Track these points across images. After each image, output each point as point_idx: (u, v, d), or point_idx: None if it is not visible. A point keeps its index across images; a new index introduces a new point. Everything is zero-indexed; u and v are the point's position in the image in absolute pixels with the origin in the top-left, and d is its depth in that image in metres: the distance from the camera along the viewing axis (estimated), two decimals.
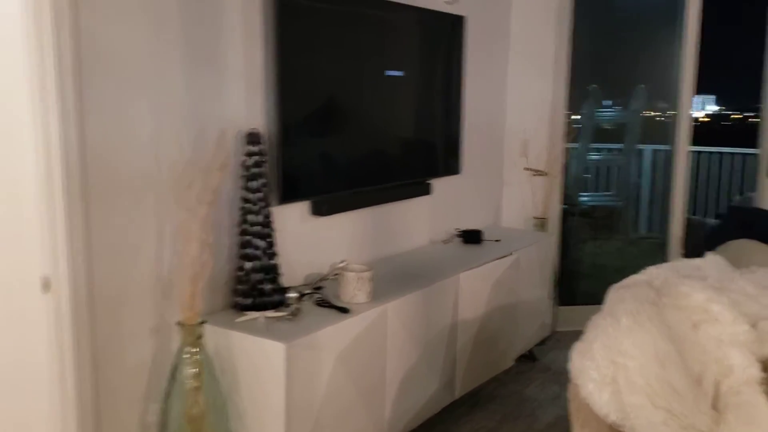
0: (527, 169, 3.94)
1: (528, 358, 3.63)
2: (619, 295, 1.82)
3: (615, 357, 1.69)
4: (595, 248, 4.33)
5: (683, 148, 4.09)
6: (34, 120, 1.77)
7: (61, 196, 1.82)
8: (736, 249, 2.60)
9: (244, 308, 2.29)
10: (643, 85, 4.34)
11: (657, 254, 4.22)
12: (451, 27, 3.30)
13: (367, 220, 3.00)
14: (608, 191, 4.75)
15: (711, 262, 2.10)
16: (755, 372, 1.56)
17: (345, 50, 2.71)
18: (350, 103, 2.79)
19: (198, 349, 2.08)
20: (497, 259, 3.18)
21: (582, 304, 4.06)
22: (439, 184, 3.38)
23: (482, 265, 3.07)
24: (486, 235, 3.46)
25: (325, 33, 2.60)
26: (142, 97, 2.04)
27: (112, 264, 2.01)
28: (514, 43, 3.91)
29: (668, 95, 4.15)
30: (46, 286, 1.84)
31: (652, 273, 1.97)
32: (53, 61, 1.76)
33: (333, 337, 2.26)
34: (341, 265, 2.59)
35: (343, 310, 2.36)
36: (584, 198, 4.48)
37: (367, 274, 2.48)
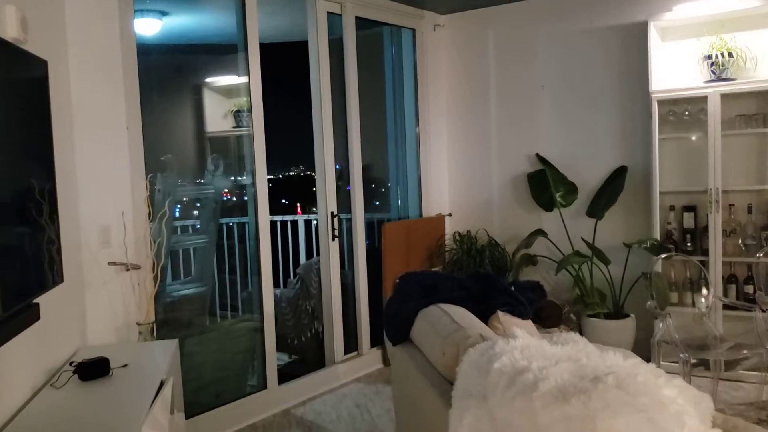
0: (113, 263, 3.04)
1: None
2: (595, 411, 1.38)
3: None
4: (194, 346, 3.61)
5: (264, 220, 3.81)
6: None
7: None
8: (439, 317, 2.46)
9: None
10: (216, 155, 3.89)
11: (255, 337, 3.80)
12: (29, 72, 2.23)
13: None
14: (191, 276, 4.02)
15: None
16: None
17: None
18: None
19: None
20: (157, 393, 2.28)
21: (201, 413, 3.39)
22: (44, 303, 2.24)
23: (151, 408, 2.14)
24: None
25: None
26: None
27: None
28: (78, 109, 2.95)
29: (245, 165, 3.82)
30: None
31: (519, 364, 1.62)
32: None
33: None
34: None
35: None
36: (172, 288, 3.71)
37: None
